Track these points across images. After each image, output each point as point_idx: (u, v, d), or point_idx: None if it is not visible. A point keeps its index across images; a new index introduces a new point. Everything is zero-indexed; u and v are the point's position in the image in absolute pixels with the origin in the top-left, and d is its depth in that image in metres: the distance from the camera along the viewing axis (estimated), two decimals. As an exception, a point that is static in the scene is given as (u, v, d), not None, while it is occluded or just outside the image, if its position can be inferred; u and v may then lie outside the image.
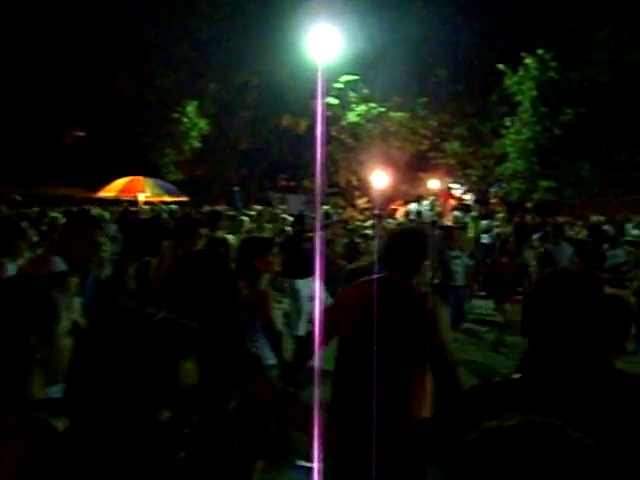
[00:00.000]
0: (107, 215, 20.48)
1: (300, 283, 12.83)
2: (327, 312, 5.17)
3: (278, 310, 8.04)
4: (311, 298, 13.26)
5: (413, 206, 32.34)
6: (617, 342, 3.65)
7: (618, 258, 18.14)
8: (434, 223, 22.60)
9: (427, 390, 4.77)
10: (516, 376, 2.62)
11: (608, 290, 3.71)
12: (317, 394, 4.05)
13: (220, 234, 13.02)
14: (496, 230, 25.28)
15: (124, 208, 22.81)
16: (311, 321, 12.64)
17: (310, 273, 13.38)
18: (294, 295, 12.82)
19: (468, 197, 38.44)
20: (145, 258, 6.44)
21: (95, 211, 20.62)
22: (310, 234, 14.35)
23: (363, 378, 4.66)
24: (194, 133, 34.63)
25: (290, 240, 14.14)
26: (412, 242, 4.99)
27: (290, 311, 12.79)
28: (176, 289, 3.45)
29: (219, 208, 29.43)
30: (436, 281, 15.55)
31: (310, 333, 5.55)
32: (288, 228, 23.63)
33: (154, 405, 1.84)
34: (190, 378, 1.89)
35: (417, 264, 4.93)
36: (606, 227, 26.98)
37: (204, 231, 8.36)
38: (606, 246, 22.26)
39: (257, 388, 3.66)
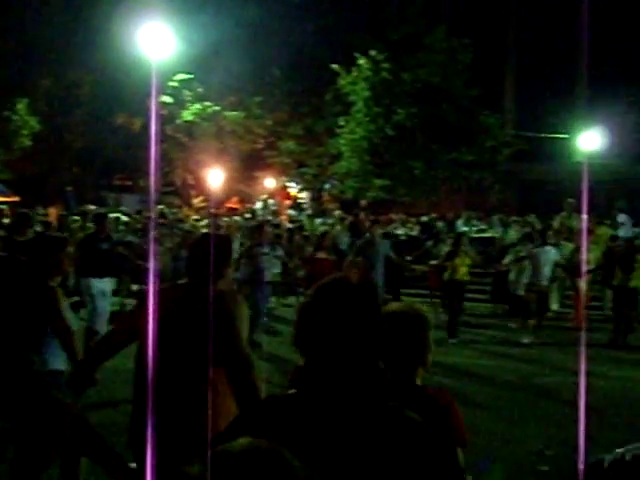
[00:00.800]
0: None
1: (95, 282, 12.93)
2: (127, 316, 5.14)
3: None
4: (105, 297, 13.32)
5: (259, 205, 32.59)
6: (419, 356, 3.60)
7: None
8: (267, 222, 22.80)
9: (227, 397, 4.69)
10: (292, 391, 2.49)
11: (406, 304, 3.84)
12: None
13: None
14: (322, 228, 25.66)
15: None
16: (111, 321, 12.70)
17: (106, 273, 13.43)
18: (89, 294, 12.93)
19: (303, 195, 38.88)
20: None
21: None
22: (110, 234, 14.31)
23: (158, 386, 4.53)
24: (25, 131, 33.52)
25: (86, 239, 14.04)
26: (212, 248, 4.91)
27: (88, 310, 12.88)
28: None
29: (52, 209, 28.81)
30: (240, 276, 15.74)
31: (105, 336, 5.50)
32: (122, 227, 23.41)
33: None
34: None
35: (217, 270, 4.85)
36: (438, 224, 27.91)
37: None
38: (430, 243, 22.99)
39: None
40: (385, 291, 17.53)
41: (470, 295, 18.66)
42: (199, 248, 5.03)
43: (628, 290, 16.49)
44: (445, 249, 19.20)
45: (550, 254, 17.21)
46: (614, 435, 8.41)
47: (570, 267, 18.11)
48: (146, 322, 4.83)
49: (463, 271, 17.03)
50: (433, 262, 19.77)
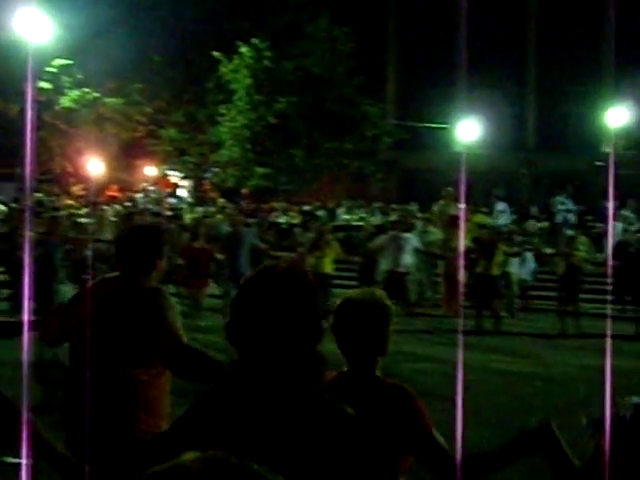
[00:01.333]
0: None
1: None
2: (54, 315, 5.02)
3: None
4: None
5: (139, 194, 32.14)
6: (379, 346, 3.53)
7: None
8: (146, 211, 22.50)
9: (160, 394, 4.60)
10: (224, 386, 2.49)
11: (367, 292, 3.68)
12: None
13: None
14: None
15: None
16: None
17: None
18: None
19: (185, 184, 38.56)
20: None
21: None
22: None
23: (88, 384, 4.45)
24: None
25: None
26: (142, 240, 4.79)
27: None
28: None
29: None
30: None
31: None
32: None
33: None
34: None
35: (150, 262, 4.74)
36: (319, 213, 28.01)
37: None
38: (299, 230, 22.98)
39: None
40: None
41: (340, 282, 18.63)
42: (129, 240, 4.87)
43: (488, 277, 16.75)
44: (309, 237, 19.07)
45: (410, 241, 17.30)
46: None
47: (431, 253, 18.29)
48: (75, 320, 4.70)
49: (327, 263, 16.87)
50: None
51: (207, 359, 4.47)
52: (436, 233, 20.37)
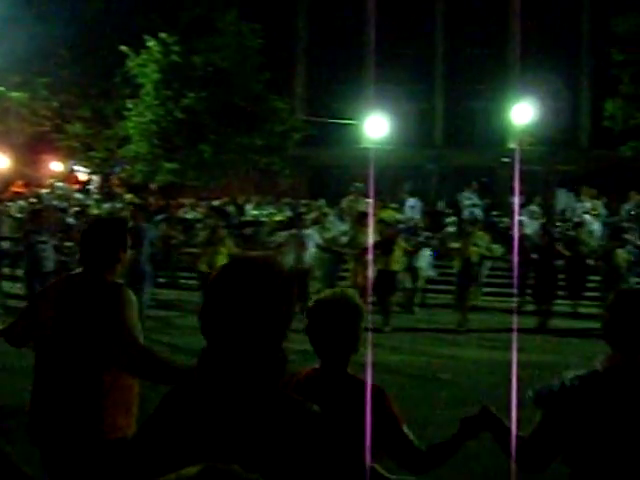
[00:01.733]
0: None
1: None
2: (20, 315, 4.94)
3: None
4: None
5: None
6: (351, 344, 3.71)
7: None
8: (52, 207, 22.12)
9: (126, 393, 4.55)
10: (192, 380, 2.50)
11: (339, 292, 3.84)
12: None
13: None
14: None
15: None
16: None
17: None
18: None
19: (92, 179, 38.04)
20: None
21: None
22: None
23: (50, 383, 4.46)
24: None
25: None
26: (105, 233, 4.75)
27: None
28: None
29: None
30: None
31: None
32: None
33: None
34: None
35: (114, 255, 4.70)
36: (228, 208, 27.92)
37: None
38: (200, 225, 22.77)
39: None
40: (156, 275, 17.47)
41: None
42: (93, 233, 4.79)
43: (388, 273, 16.85)
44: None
45: (309, 238, 17.32)
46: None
47: (331, 250, 18.32)
48: (38, 319, 4.65)
49: (220, 260, 16.65)
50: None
51: (158, 359, 4.46)
52: (337, 229, 20.44)
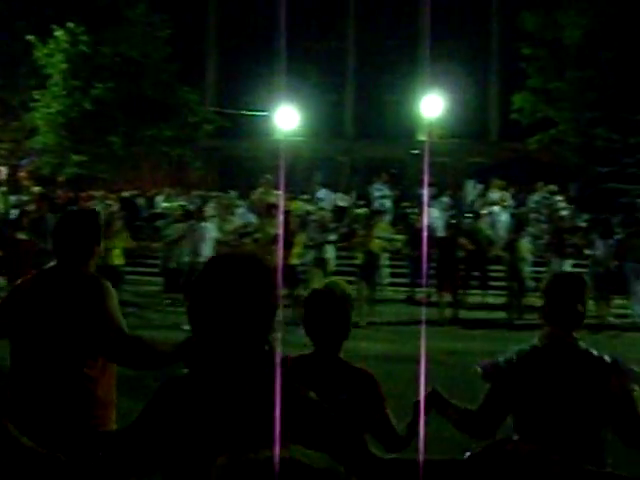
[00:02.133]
0: None
1: None
2: None
3: None
4: None
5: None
6: (343, 331, 3.99)
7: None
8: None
9: (110, 386, 4.56)
10: (185, 371, 2.59)
11: (332, 282, 4.10)
12: None
13: None
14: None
15: None
16: None
17: None
18: None
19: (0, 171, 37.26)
20: None
21: None
22: None
23: (32, 379, 4.38)
24: None
25: None
26: (79, 226, 4.66)
27: None
28: None
29: None
30: None
31: None
32: None
33: None
34: None
35: (88, 248, 4.63)
36: (138, 200, 27.68)
37: None
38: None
39: None
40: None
41: (143, 269, 18.23)
42: (66, 227, 4.69)
43: (288, 267, 16.72)
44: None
45: (207, 230, 17.20)
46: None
47: (228, 243, 18.22)
48: (13, 314, 4.54)
49: (115, 254, 16.47)
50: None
51: (149, 346, 4.46)
52: (235, 221, 20.38)
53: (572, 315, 4.10)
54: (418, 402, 3.97)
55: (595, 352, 4.10)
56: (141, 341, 4.48)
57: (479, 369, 4.26)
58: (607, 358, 4.07)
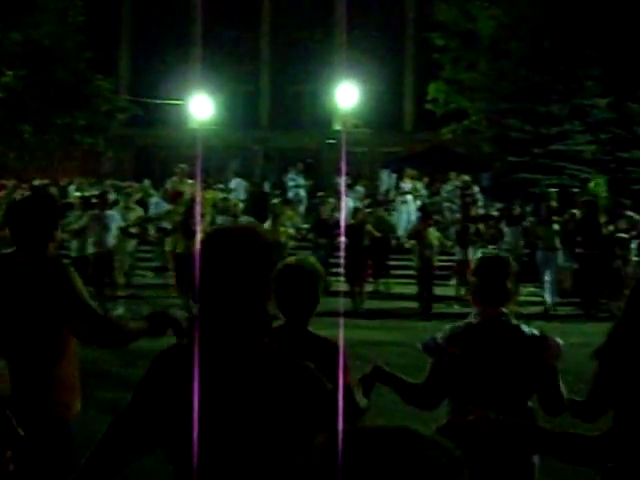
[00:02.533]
0: None
1: None
2: None
3: None
4: None
5: None
6: (312, 305, 4.16)
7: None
8: None
9: (73, 369, 4.56)
10: (185, 341, 2.69)
11: (301, 259, 4.33)
12: None
13: None
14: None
15: None
16: None
17: None
18: None
19: None
20: None
21: None
22: None
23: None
24: None
25: None
26: (36, 211, 4.60)
27: None
28: None
29: None
30: None
31: None
32: None
33: None
34: None
35: (47, 233, 4.57)
36: (50, 190, 27.23)
37: None
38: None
39: None
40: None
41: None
42: (23, 212, 4.62)
43: (187, 257, 16.15)
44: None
45: (113, 219, 16.84)
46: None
47: (129, 233, 17.99)
48: None
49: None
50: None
51: (117, 324, 4.61)
52: (138, 210, 20.19)
53: (502, 292, 4.40)
54: (364, 377, 4.27)
55: (526, 327, 4.42)
56: (110, 319, 4.73)
57: (419, 345, 4.56)
58: (536, 332, 4.40)
